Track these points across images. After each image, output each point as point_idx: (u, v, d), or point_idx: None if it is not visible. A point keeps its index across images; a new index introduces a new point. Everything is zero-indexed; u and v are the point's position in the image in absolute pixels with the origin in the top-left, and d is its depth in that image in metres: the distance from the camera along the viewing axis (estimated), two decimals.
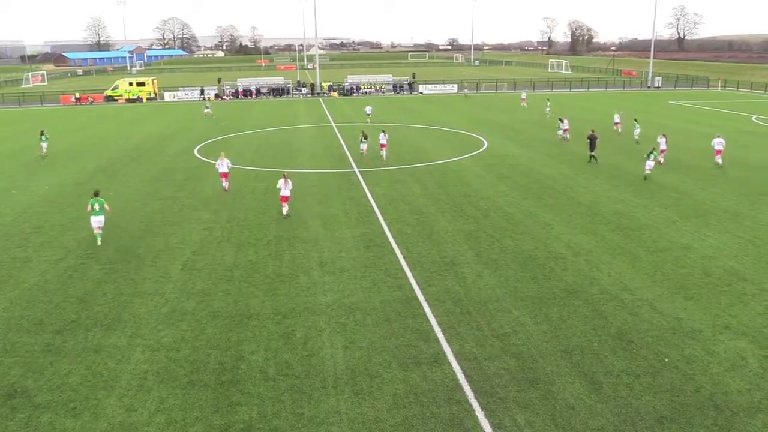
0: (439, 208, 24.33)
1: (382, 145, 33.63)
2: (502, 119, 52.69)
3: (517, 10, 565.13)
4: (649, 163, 28.42)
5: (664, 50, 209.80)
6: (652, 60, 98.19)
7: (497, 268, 17.96)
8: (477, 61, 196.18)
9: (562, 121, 40.87)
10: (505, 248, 19.61)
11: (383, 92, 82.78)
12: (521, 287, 16.61)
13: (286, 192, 22.73)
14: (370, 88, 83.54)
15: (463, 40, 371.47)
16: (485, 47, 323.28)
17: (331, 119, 54.94)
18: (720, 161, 31.03)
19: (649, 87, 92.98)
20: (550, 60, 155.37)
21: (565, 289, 16.45)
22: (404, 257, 18.80)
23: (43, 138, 37.37)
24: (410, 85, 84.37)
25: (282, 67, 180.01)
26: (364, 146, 34.22)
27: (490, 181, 29.05)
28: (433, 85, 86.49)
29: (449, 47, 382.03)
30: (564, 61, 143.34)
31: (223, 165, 26.83)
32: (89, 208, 20.12)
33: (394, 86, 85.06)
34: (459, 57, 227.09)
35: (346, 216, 23.44)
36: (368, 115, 51.74)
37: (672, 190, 27.01)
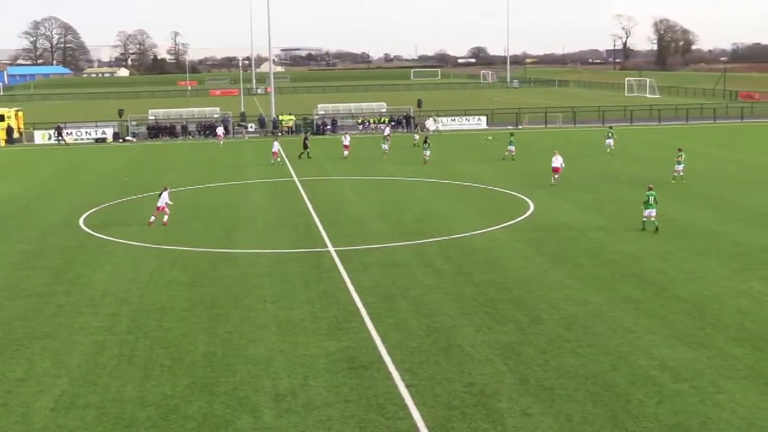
0: (461, 308, 24.30)
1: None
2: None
3: (574, 6, 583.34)
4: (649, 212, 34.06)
5: None
6: None
7: (553, 401, 17.76)
8: (516, 81, 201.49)
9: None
10: (565, 370, 19.45)
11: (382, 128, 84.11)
12: None
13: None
14: (377, 122, 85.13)
15: (494, 50, 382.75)
16: (528, 60, 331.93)
17: (292, 171, 55.71)
18: (554, 180, 46.87)
19: None
20: (627, 78, 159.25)
21: None
22: (407, 385, 18.61)
23: None
24: (408, 119, 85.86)
25: (218, 92, 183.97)
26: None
27: (539, 265, 29.22)
28: (449, 118, 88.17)
29: (472, 60, 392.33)
30: (648, 80, 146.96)
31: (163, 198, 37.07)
32: None
33: (392, 119, 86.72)
34: (489, 75, 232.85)
35: (315, 321, 23.34)
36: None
37: None
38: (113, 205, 43.48)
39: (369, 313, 23.91)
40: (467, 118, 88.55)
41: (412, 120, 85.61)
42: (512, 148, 58.90)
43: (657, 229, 33.63)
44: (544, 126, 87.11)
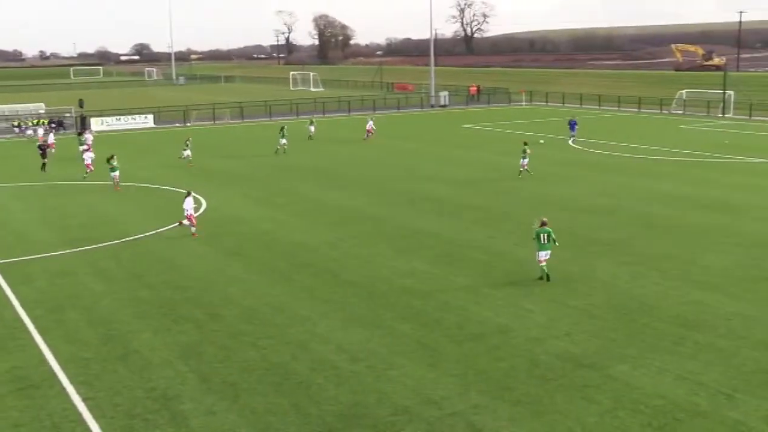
0: (137, 313, 23.80)
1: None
2: (230, 165, 53.61)
3: (237, 1, 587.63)
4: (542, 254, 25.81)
5: (449, 53, 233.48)
6: (433, 68, 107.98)
7: (238, 396, 17.89)
8: (182, 78, 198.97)
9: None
10: (247, 364, 19.69)
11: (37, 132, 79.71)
12: (276, 423, 16.69)
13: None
14: (33, 124, 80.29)
15: (158, 47, 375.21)
16: (193, 57, 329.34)
17: None
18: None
19: (432, 105, 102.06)
20: (291, 73, 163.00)
21: (342, 415, 16.88)
22: (84, 399, 17.99)
23: None
24: (83, 120, 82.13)
25: None
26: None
27: (215, 262, 29.26)
28: (113, 118, 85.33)
29: (136, 57, 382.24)
30: (312, 74, 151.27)
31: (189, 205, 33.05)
32: None
33: (52, 121, 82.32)
34: (154, 72, 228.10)
35: None
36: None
37: (479, 250, 29.61)
38: None
39: (37, 328, 22.67)
40: (133, 117, 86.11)
41: (87, 120, 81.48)
42: (284, 141, 58.49)
43: (548, 277, 25.68)
44: (212, 122, 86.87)
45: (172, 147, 60.23)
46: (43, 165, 52.66)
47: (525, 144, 46.39)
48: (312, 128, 67.98)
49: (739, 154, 53.33)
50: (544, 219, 26.00)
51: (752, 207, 36.17)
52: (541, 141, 59.29)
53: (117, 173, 44.73)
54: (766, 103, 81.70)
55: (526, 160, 45.18)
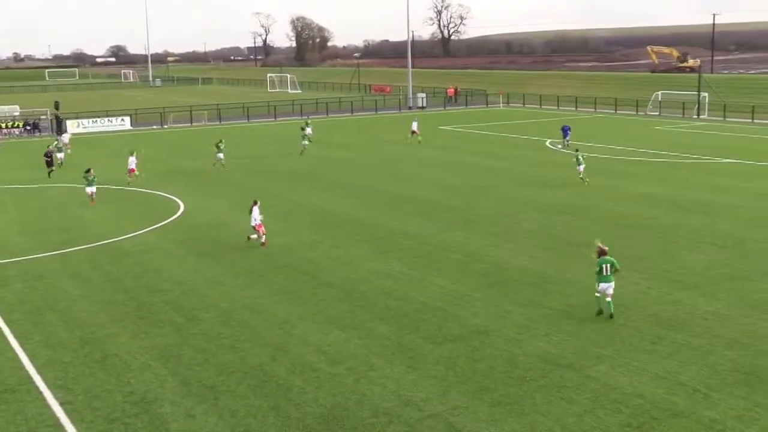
0: (114, 316, 23.65)
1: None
2: (207, 167, 53.29)
3: (213, 3, 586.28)
4: None
5: (426, 55, 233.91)
6: (410, 70, 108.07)
7: (217, 399, 17.81)
8: (158, 80, 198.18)
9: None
10: (225, 367, 19.62)
11: (12, 134, 79.00)
12: (256, 425, 16.65)
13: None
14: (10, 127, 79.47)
15: (134, 49, 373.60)
16: (169, 59, 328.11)
17: None
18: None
19: (410, 108, 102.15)
20: (269, 75, 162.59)
21: (323, 417, 16.85)
22: (62, 403, 17.83)
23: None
24: (59, 121, 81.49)
25: None
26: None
27: (192, 265, 29.15)
28: (89, 120, 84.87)
29: (112, 59, 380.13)
30: (289, 76, 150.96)
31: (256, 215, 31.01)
32: None
33: (28, 124, 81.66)
34: (130, 74, 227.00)
35: None
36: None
37: (455, 251, 29.70)
38: None
39: (13, 332, 22.49)
40: (110, 119, 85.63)
41: (63, 122, 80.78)
42: (305, 143, 58.63)
43: (612, 315, 22.40)
44: (189, 124, 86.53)
45: (149, 149, 59.96)
46: (49, 172, 50.55)
47: (577, 150, 45.29)
48: (309, 129, 64.44)
49: (714, 155, 53.74)
50: (605, 247, 22.76)
51: (728, 207, 36.45)
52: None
53: (94, 188, 41.51)
54: (740, 104, 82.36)
55: (582, 166, 43.00)
